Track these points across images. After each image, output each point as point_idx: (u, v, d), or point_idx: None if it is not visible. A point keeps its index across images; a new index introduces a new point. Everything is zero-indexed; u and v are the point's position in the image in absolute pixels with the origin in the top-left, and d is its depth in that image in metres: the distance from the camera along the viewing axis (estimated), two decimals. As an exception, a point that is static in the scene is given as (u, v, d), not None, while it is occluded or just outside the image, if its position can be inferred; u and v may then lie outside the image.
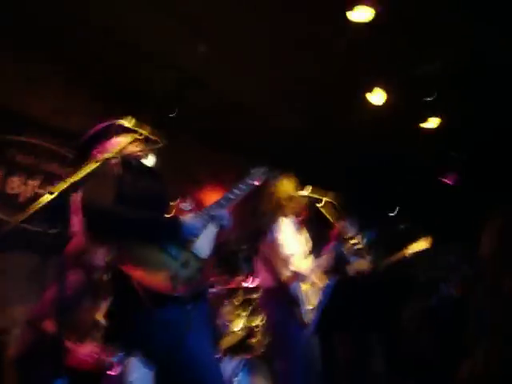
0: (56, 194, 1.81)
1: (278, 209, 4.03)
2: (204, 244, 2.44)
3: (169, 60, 5.36)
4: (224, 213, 2.54)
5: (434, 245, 5.00)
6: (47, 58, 5.27)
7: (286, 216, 4.03)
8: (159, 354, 2.22)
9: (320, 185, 4.31)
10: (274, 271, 3.85)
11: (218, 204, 2.54)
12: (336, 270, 4.11)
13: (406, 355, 5.54)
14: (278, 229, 3.92)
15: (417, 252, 4.91)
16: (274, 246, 3.88)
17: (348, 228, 4.14)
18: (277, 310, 3.89)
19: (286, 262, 3.81)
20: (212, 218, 2.49)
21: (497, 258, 2.33)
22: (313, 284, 3.91)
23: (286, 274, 3.78)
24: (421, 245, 4.92)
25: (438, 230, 5.47)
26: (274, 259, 3.87)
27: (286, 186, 4.08)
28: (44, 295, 3.28)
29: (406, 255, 4.90)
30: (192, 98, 5.85)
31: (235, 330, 4.56)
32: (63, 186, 1.84)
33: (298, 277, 3.80)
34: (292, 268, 3.80)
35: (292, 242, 3.95)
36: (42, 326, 3.22)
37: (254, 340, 4.58)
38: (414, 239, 4.99)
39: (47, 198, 1.79)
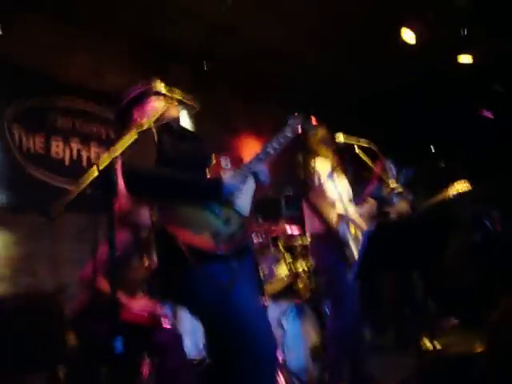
0: (102, 166, 1.88)
1: (317, 157, 4.05)
2: (244, 200, 2.44)
3: (199, 11, 5.32)
4: (263, 168, 2.53)
5: (473, 181, 4.91)
6: (81, 21, 5.29)
7: (325, 163, 4.06)
8: (205, 310, 2.29)
9: (358, 126, 4.30)
10: (321, 216, 3.93)
11: (256, 159, 2.52)
12: (378, 214, 4.14)
13: (449, 292, 5.56)
14: (319, 176, 3.97)
15: (458, 193, 4.82)
16: (318, 192, 3.94)
17: (386, 171, 4.14)
18: (327, 254, 3.95)
19: (331, 206, 3.88)
20: (251, 174, 2.49)
21: None
22: (358, 227, 3.97)
23: (332, 217, 3.85)
24: (461, 186, 4.83)
25: (478, 165, 5.39)
26: (320, 204, 3.93)
27: (323, 134, 4.10)
28: (96, 255, 3.40)
29: (448, 196, 4.83)
30: (225, 47, 5.82)
31: (281, 276, 4.63)
32: (108, 158, 1.91)
33: (344, 219, 3.87)
34: (338, 211, 3.88)
35: (334, 187, 4.00)
36: (96, 286, 3.37)
37: (299, 285, 4.66)
38: (454, 178, 4.91)
39: (95, 171, 1.87)
